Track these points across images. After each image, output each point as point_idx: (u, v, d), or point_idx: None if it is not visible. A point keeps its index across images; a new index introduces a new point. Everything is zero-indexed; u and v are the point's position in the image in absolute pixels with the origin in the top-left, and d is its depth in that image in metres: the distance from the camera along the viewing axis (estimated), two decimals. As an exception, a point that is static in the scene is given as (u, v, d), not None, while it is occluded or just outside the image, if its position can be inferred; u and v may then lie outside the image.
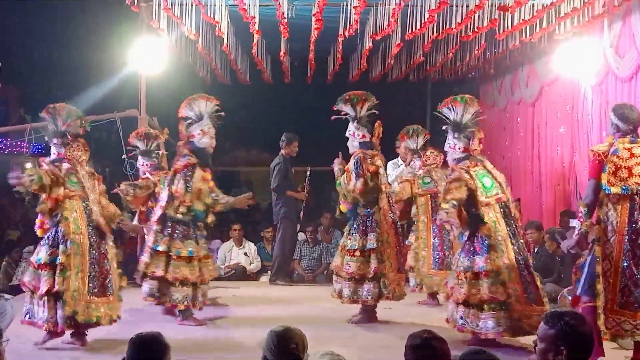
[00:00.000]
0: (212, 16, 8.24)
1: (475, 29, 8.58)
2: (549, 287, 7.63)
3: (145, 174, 7.86)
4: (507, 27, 8.35)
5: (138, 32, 9.39)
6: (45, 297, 5.59)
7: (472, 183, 5.74)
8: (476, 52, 10.13)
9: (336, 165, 6.91)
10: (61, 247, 5.63)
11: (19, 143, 14.79)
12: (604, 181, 5.01)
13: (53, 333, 5.73)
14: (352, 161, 6.75)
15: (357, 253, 6.64)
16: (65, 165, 5.85)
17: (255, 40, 9.23)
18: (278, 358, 3.12)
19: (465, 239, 5.83)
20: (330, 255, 10.10)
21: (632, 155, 5.03)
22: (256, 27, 8.15)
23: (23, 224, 12.74)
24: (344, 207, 6.89)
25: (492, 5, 8.07)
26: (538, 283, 5.82)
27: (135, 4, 8.53)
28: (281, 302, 7.70)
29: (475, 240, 5.76)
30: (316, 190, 11.39)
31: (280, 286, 9.32)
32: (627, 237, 4.97)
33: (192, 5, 8.32)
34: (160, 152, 8.10)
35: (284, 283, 9.50)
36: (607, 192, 5.02)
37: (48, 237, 5.74)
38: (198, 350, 5.75)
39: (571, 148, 9.29)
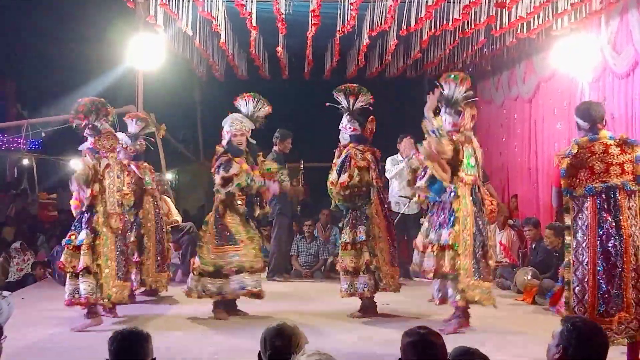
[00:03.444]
0: (209, 12, 8.23)
1: (473, 25, 8.59)
2: (546, 283, 7.64)
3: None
4: (504, 23, 8.36)
5: (135, 28, 9.38)
6: (85, 272, 6.11)
7: (460, 154, 5.99)
8: (473, 48, 10.13)
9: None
10: (94, 234, 6.21)
11: (16, 139, 14.79)
12: (564, 185, 4.87)
13: (90, 310, 6.23)
14: (342, 157, 6.77)
15: (349, 246, 6.73)
16: (104, 161, 6.33)
17: (252, 36, 9.23)
18: (272, 354, 3.13)
19: (431, 214, 6.16)
20: (327, 251, 10.11)
21: (592, 153, 4.87)
22: (253, 23, 8.14)
23: (18, 221, 12.74)
24: None
25: (489, 2, 8.08)
26: (489, 262, 6.14)
27: (132, 0, 8.52)
28: (279, 298, 7.69)
29: (442, 214, 6.03)
30: (313, 186, 11.39)
31: (278, 282, 9.32)
32: (598, 240, 4.68)
33: (189, 1, 8.31)
34: (140, 142, 7.86)
35: (281, 279, 9.50)
36: (571, 195, 4.84)
37: (85, 221, 6.22)
38: (194, 345, 5.76)
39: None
